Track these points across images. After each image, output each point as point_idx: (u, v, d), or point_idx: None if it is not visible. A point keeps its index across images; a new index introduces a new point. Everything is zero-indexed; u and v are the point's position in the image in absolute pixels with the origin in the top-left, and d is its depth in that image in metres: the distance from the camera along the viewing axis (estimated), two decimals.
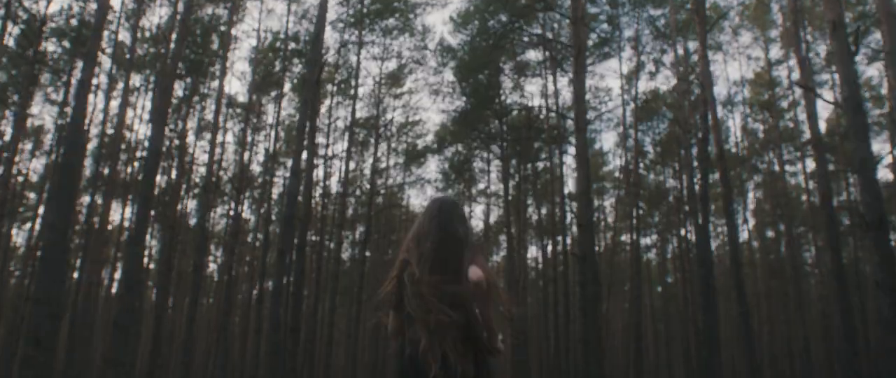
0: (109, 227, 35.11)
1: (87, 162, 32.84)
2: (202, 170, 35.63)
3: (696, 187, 20.92)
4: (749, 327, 17.11)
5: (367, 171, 31.32)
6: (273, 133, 33.46)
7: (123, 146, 33.31)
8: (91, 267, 35.50)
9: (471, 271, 2.61)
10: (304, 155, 18.31)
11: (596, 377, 16.27)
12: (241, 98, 33.70)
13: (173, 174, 32.28)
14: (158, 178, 35.47)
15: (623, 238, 41.81)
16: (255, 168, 35.11)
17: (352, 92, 28.25)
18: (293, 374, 17.84)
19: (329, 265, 27.65)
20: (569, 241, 30.38)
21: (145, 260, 38.94)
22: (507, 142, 28.45)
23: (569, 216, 32.31)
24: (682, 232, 37.28)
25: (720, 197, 36.61)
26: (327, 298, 26.64)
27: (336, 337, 42.42)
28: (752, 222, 41.61)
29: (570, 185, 33.17)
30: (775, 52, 30.44)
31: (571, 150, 30.12)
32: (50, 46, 30.23)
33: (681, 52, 27.31)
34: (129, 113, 32.68)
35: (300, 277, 17.62)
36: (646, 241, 41.44)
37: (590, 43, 27.15)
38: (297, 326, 17.61)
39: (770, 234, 40.18)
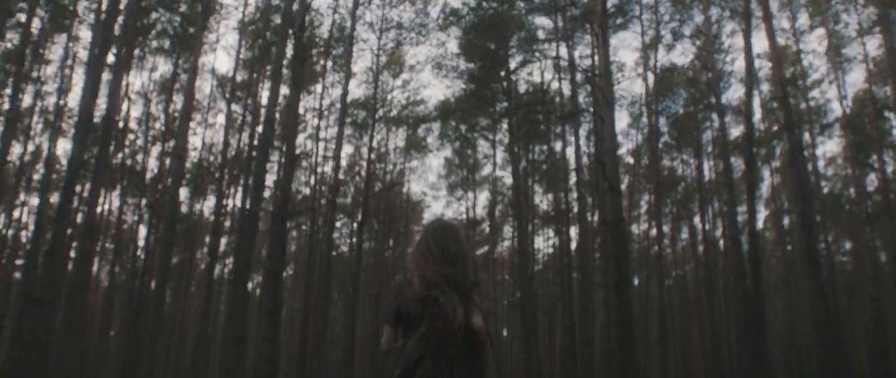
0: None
1: (70, 146, 29.75)
2: (193, 154, 32.58)
3: (736, 159, 17.61)
4: (827, 306, 13.74)
5: (364, 152, 28.04)
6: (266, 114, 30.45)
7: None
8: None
9: (473, 319, 2.66)
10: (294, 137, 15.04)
11: (629, 364, 12.99)
12: (239, 77, 30.30)
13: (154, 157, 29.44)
14: (151, 164, 32.48)
15: (632, 228, 38.55)
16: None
17: (346, 70, 24.94)
18: (271, 366, 14.49)
19: (321, 248, 24.35)
20: (576, 232, 27.34)
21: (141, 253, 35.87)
22: (517, 117, 25.18)
23: (575, 203, 29.19)
24: (697, 220, 34.10)
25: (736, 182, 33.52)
26: (319, 284, 23.31)
27: (337, 332, 39.22)
28: (765, 212, 38.26)
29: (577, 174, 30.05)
30: (803, 20, 27.15)
31: (583, 128, 26.93)
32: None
33: (702, 18, 24.15)
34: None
35: (279, 251, 14.30)
36: (654, 232, 38.08)
37: None
38: (275, 308, 14.30)
39: (785, 222, 36.79)
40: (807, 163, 33.59)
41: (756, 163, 16.84)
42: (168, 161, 31.08)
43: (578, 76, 22.97)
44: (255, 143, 31.41)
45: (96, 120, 29.86)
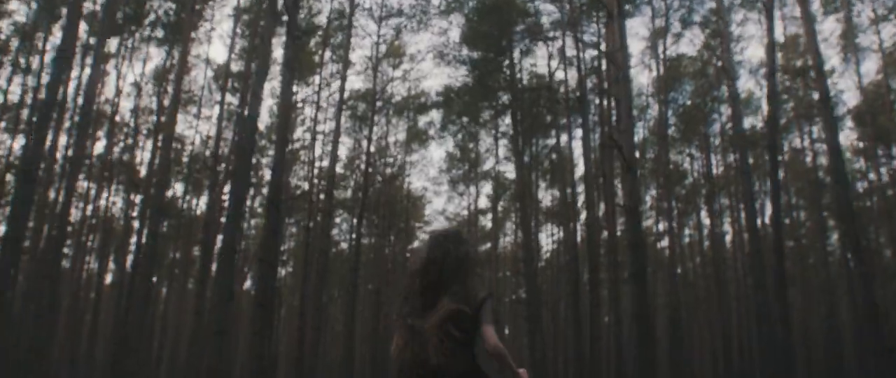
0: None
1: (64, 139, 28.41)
2: (189, 148, 31.31)
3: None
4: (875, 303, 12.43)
5: (364, 145, 26.71)
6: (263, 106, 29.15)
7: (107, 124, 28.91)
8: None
9: (486, 336, 2.72)
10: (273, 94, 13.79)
11: (647, 359, 11.71)
12: (234, 67, 28.86)
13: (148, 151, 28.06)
14: (146, 158, 31.10)
15: None
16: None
17: (344, 54, 23.67)
18: (262, 362, 13.19)
19: (318, 243, 23.00)
20: (579, 226, 26.10)
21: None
22: (521, 109, 23.90)
23: (581, 195, 27.93)
24: (704, 214, 32.84)
25: (737, 179, 32.24)
26: (316, 278, 21.98)
27: (338, 330, 37.94)
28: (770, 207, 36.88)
29: (581, 168, 28.84)
30: (815, 6, 25.79)
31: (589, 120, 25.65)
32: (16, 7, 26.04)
33: (714, 5, 22.91)
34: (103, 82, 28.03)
35: (272, 240, 13.02)
36: (660, 227, 36.76)
37: None
38: (266, 301, 12.98)
39: (793, 217, 35.46)
40: (817, 156, 32.41)
41: (780, 147, 15.54)
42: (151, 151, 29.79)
43: (587, 59, 21.73)
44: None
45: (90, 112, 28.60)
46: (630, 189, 11.93)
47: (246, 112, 11.74)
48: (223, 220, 28.74)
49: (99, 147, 29.64)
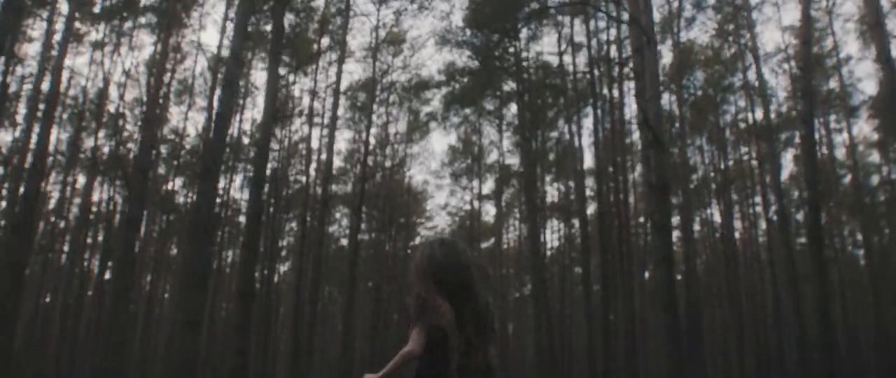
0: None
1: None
2: (187, 142, 29.83)
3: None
4: None
5: (363, 135, 25.15)
6: (261, 98, 27.61)
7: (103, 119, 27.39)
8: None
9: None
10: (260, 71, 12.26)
11: (677, 355, 10.17)
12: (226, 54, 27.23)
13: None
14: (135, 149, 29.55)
15: (641, 219, 35.60)
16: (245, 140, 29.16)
17: (343, 32, 22.14)
18: (242, 358, 11.66)
19: (314, 234, 21.42)
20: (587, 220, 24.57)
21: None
22: (527, 98, 22.36)
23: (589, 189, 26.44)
24: (714, 208, 31.28)
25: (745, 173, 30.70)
26: (313, 270, 20.39)
27: (339, 328, 36.36)
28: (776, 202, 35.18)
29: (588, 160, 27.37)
30: None
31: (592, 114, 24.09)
32: None
33: None
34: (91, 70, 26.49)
35: (255, 222, 11.46)
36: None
37: None
38: (248, 290, 11.42)
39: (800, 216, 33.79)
40: (826, 150, 30.82)
41: (814, 123, 13.99)
42: (163, 149, 28.27)
43: (595, 45, 20.15)
44: (249, 128, 28.76)
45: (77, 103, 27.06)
46: (658, 165, 10.35)
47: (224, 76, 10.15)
48: (223, 214, 27.35)
49: (90, 140, 28.20)
